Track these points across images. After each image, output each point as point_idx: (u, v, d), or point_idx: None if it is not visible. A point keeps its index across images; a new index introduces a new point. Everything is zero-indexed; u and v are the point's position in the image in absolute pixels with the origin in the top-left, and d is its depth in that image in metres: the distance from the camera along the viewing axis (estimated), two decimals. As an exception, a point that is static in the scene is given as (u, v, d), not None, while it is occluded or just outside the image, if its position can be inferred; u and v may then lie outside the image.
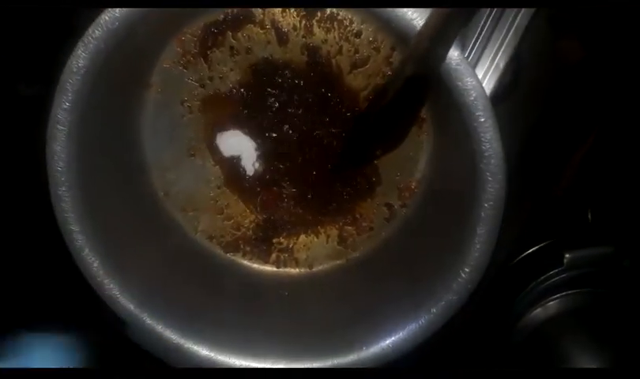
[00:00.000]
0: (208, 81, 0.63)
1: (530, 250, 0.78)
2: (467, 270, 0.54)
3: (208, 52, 0.62)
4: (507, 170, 0.51)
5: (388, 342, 0.58)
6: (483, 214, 0.52)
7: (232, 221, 0.67)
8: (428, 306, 0.56)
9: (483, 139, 0.50)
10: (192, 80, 0.63)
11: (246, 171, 0.66)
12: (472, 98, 0.49)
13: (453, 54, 0.48)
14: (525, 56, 0.68)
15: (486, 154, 0.50)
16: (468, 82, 0.49)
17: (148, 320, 0.56)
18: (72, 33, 0.62)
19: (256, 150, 0.65)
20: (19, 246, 0.70)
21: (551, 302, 0.76)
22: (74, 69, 0.48)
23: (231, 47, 0.62)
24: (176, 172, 0.66)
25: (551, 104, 0.72)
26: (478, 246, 0.53)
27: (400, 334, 0.57)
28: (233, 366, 0.57)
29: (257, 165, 0.66)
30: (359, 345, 0.58)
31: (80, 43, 0.48)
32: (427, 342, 0.58)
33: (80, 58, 0.48)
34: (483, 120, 0.49)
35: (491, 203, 0.52)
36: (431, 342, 0.59)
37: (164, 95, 0.63)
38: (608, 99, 0.71)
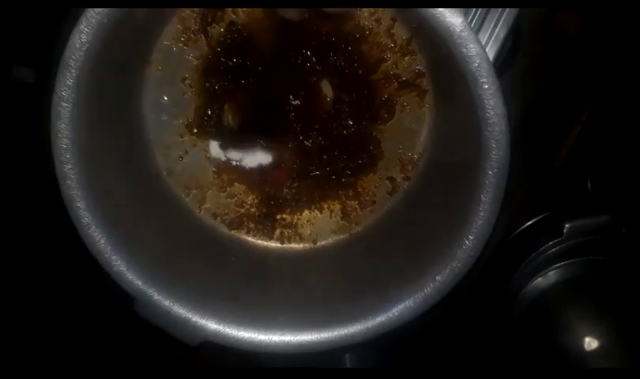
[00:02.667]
0: (208, 57, 0.63)
1: (530, 222, 0.79)
2: (471, 237, 0.55)
3: (209, 28, 0.62)
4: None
5: (394, 310, 0.58)
6: (487, 181, 0.53)
7: (235, 199, 0.68)
8: (433, 274, 0.57)
9: (487, 106, 0.50)
10: (193, 56, 0.63)
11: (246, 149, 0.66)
12: (476, 65, 0.49)
13: (457, 20, 0.48)
14: (523, 29, 0.69)
15: (490, 121, 0.50)
16: (472, 49, 0.49)
17: (156, 296, 0.56)
18: (64, 18, 0.63)
19: (256, 125, 0.65)
20: (23, 228, 0.70)
21: (551, 272, 0.77)
22: (77, 45, 0.48)
23: (232, 22, 0.61)
24: (178, 150, 0.65)
25: (549, 77, 0.73)
26: (482, 214, 0.54)
27: (407, 302, 0.57)
28: (241, 339, 0.57)
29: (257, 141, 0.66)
30: (365, 315, 0.59)
31: (82, 18, 0.48)
32: (429, 313, 0.59)
33: (83, 33, 0.48)
34: (487, 87, 0.50)
35: (495, 170, 0.52)
36: (432, 314, 0.59)
37: (165, 72, 0.63)
38: (605, 71, 0.71)
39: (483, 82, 0.50)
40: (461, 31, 0.48)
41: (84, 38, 0.48)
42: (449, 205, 0.59)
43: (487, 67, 0.50)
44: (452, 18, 0.48)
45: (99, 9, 0.48)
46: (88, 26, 0.48)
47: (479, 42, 0.49)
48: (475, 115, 0.52)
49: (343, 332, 0.59)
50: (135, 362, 0.61)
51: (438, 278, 0.56)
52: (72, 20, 0.50)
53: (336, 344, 0.59)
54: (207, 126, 0.64)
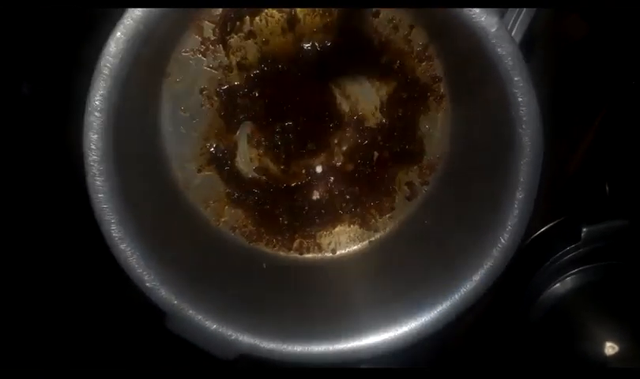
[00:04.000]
0: (227, 68, 0.62)
1: (547, 226, 0.79)
2: (506, 236, 0.55)
3: (228, 38, 0.61)
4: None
5: (427, 316, 0.57)
6: (522, 179, 0.53)
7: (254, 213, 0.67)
8: (468, 276, 0.56)
9: (521, 103, 0.50)
10: (211, 67, 0.62)
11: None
12: (512, 63, 0.49)
13: (493, 20, 0.48)
14: (536, 34, 0.70)
15: (524, 118, 0.51)
16: (506, 47, 0.49)
17: (190, 310, 0.55)
18: (75, 34, 0.62)
19: (276, 138, 0.65)
20: (48, 241, 0.68)
21: (569, 277, 0.77)
22: (113, 52, 0.47)
23: (250, 31, 0.61)
24: (196, 163, 0.64)
25: (562, 82, 0.74)
26: (517, 212, 0.54)
27: (441, 306, 0.57)
28: (276, 351, 0.56)
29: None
30: (396, 322, 0.58)
31: (119, 25, 0.47)
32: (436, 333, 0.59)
33: (120, 41, 0.47)
34: (521, 85, 0.50)
35: (531, 167, 0.52)
36: (439, 331, 0.59)
37: (183, 84, 0.62)
38: (620, 73, 0.72)
39: (518, 81, 0.50)
40: (496, 30, 0.49)
41: (120, 45, 0.47)
42: (475, 207, 0.60)
43: (520, 65, 0.50)
44: (488, 18, 0.48)
45: (137, 15, 0.47)
46: (125, 33, 0.47)
47: (513, 41, 0.49)
48: (507, 114, 0.52)
49: (376, 340, 0.58)
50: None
51: (475, 278, 0.56)
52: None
53: (367, 353, 0.58)
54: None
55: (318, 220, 0.68)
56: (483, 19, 0.49)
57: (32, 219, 0.69)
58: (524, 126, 0.51)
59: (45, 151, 0.69)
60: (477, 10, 0.48)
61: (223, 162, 0.65)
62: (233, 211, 0.67)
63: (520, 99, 0.50)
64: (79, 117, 0.50)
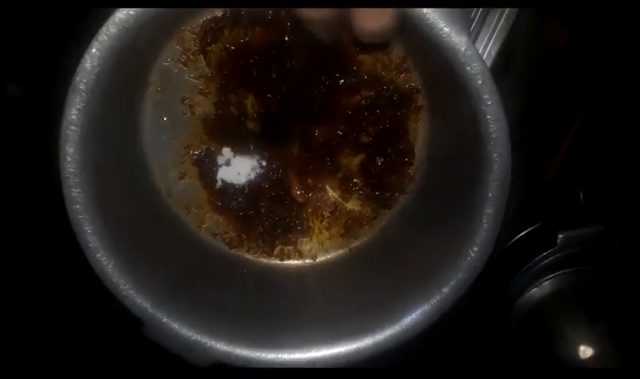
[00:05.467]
0: (208, 78, 0.63)
1: (524, 232, 0.80)
2: (475, 249, 0.56)
3: (208, 49, 0.62)
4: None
5: (401, 324, 0.58)
6: (490, 194, 0.54)
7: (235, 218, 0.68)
8: (439, 286, 0.57)
9: (490, 121, 0.51)
10: (192, 77, 0.63)
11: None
12: (480, 82, 0.50)
13: (462, 39, 0.49)
14: (514, 43, 0.71)
15: (493, 135, 0.52)
16: (476, 67, 0.50)
17: (165, 319, 0.56)
18: (63, 34, 0.63)
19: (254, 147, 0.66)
20: (26, 249, 0.70)
21: (545, 282, 0.78)
22: (88, 68, 0.48)
23: (233, 42, 0.62)
24: (178, 171, 0.66)
25: (539, 89, 0.75)
26: (486, 226, 0.55)
27: (413, 315, 0.58)
28: (251, 358, 0.57)
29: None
30: (371, 330, 0.59)
31: (94, 42, 0.48)
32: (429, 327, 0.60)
33: (95, 57, 0.48)
34: (490, 103, 0.51)
35: (498, 183, 0.53)
36: (429, 328, 0.60)
37: (164, 94, 0.63)
38: (595, 81, 0.73)
39: (487, 99, 0.51)
40: (465, 49, 0.50)
41: (95, 61, 0.48)
42: (449, 218, 0.61)
43: (490, 84, 0.51)
44: (457, 38, 0.49)
45: (110, 33, 0.48)
46: (100, 50, 0.48)
47: (482, 60, 0.50)
48: (477, 130, 0.53)
49: (352, 347, 0.59)
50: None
51: (445, 289, 0.57)
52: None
53: (345, 360, 0.59)
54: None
55: (299, 227, 0.69)
56: (452, 39, 0.49)
57: (11, 225, 0.70)
58: (492, 143, 0.52)
59: (25, 157, 0.69)
60: (447, 30, 0.49)
61: (205, 168, 0.66)
62: (215, 217, 0.68)
63: (489, 117, 0.51)
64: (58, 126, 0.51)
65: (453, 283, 0.57)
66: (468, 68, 0.50)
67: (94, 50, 0.48)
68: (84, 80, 0.49)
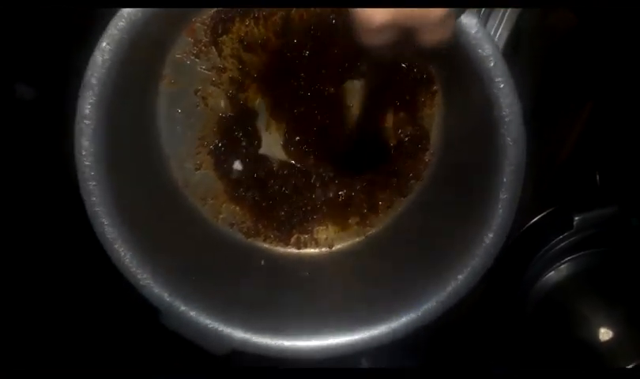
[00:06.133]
0: (220, 69, 0.63)
1: (539, 216, 0.80)
2: (490, 235, 0.56)
3: (219, 40, 0.62)
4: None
5: (416, 311, 0.58)
6: (505, 179, 0.54)
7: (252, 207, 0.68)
8: (454, 273, 0.57)
9: (503, 104, 0.51)
10: (204, 68, 0.63)
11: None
12: (492, 65, 0.50)
13: (472, 21, 0.49)
14: (524, 27, 0.70)
15: (507, 119, 0.51)
16: (487, 49, 0.50)
17: (182, 307, 0.57)
18: (70, 36, 0.64)
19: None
20: (42, 244, 0.71)
21: (562, 265, 0.78)
22: (99, 62, 0.49)
23: (245, 33, 0.62)
24: (193, 162, 0.66)
25: (550, 74, 0.74)
26: (501, 211, 0.55)
27: (429, 303, 0.58)
28: (267, 346, 0.58)
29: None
30: (387, 317, 0.59)
31: (104, 36, 0.48)
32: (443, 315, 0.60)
33: (106, 51, 0.48)
34: (502, 86, 0.51)
35: (513, 168, 0.53)
36: (445, 315, 0.60)
37: (178, 86, 0.63)
38: (607, 64, 0.72)
39: (499, 81, 0.51)
40: (476, 32, 0.49)
41: (106, 55, 0.49)
42: (464, 204, 0.60)
43: (502, 66, 0.51)
44: (467, 20, 0.49)
45: (120, 26, 0.48)
46: (110, 43, 0.48)
47: (494, 42, 0.50)
48: (490, 115, 0.53)
49: (368, 335, 0.59)
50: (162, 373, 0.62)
51: (460, 276, 0.57)
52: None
53: (361, 347, 0.59)
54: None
55: (315, 215, 0.69)
56: (462, 21, 0.49)
57: (28, 220, 0.71)
58: (506, 127, 0.52)
59: (41, 153, 0.71)
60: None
61: (220, 159, 0.66)
62: (231, 207, 0.68)
63: (502, 101, 0.51)
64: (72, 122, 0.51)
65: (468, 269, 0.57)
66: (480, 50, 0.50)
67: (104, 44, 0.49)
68: (96, 74, 0.49)
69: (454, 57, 0.54)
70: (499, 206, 0.54)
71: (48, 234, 0.72)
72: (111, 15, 0.51)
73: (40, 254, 0.71)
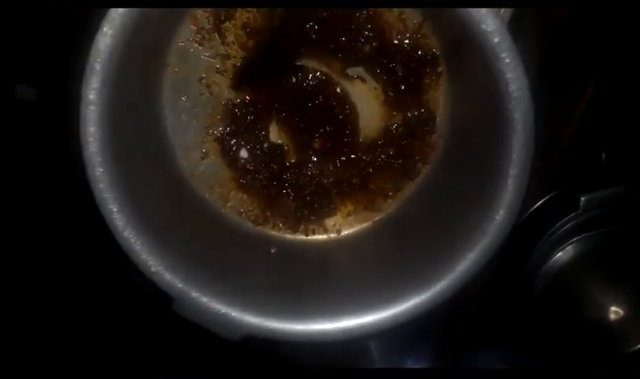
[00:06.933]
0: (224, 56, 0.63)
1: (546, 198, 0.79)
2: (501, 212, 0.55)
3: (222, 26, 0.62)
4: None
5: (427, 293, 0.58)
6: (514, 155, 0.53)
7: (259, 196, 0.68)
8: (465, 252, 0.57)
9: (509, 79, 0.51)
10: (208, 56, 0.63)
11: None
12: (497, 40, 0.50)
13: (476, -3, 0.49)
14: (524, 10, 0.70)
15: (514, 94, 0.51)
16: (491, 24, 0.49)
17: (195, 294, 0.56)
18: (70, 36, 0.63)
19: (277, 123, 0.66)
20: (50, 234, 0.71)
21: (569, 246, 0.78)
22: (102, 47, 0.49)
23: (247, 19, 0.62)
24: (200, 150, 0.66)
25: (552, 51, 0.74)
26: (511, 188, 0.55)
27: (441, 283, 0.58)
28: (281, 330, 0.57)
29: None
30: (397, 299, 0.59)
31: (104, 21, 0.48)
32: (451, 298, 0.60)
33: (107, 35, 0.48)
34: (508, 61, 0.50)
35: (522, 143, 0.53)
36: (453, 299, 0.60)
37: (182, 74, 0.63)
38: (608, 42, 0.72)
39: (504, 57, 0.51)
40: (479, 8, 0.49)
41: (107, 40, 0.49)
42: (473, 185, 0.60)
43: (507, 42, 0.50)
44: (471, -4, 0.49)
45: (121, 11, 0.48)
46: (112, 28, 0.48)
47: (498, 17, 0.50)
48: (497, 91, 0.52)
49: (379, 317, 0.59)
50: (174, 360, 0.62)
51: (471, 255, 0.57)
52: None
53: (372, 329, 0.59)
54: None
55: (323, 202, 0.69)
56: (466, -3, 0.49)
57: (38, 214, 0.71)
58: (513, 102, 0.52)
59: (47, 148, 0.71)
60: (458, -11, 0.49)
61: (227, 147, 0.66)
62: (239, 195, 0.68)
63: (508, 76, 0.51)
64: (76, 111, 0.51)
65: (479, 248, 0.57)
66: (484, 26, 0.50)
67: (105, 28, 0.48)
68: (99, 60, 0.49)
69: (459, 35, 0.54)
70: (509, 182, 0.54)
71: (53, 230, 0.72)
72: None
73: (46, 252, 0.71)
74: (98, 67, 0.50)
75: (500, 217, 0.55)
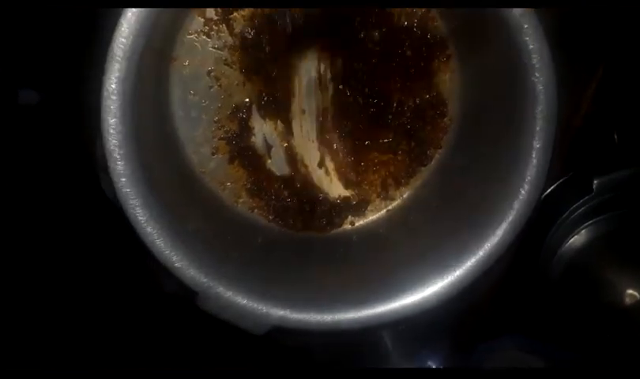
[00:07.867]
0: (232, 47, 0.62)
1: (559, 182, 0.79)
2: (527, 186, 0.55)
3: (229, 17, 0.61)
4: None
5: (454, 275, 0.57)
6: (538, 127, 0.53)
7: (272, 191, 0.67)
8: (491, 230, 0.56)
9: (532, 50, 0.51)
10: (216, 48, 0.62)
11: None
12: (520, 11, 0.49)
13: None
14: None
15: (537, 65, 0.51)
16: (513, -2, 0.49)
17: (219, 288, 0.55)
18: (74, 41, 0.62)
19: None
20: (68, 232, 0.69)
21: (584, 230, 0.77)
22: (125, 33, 0.47)
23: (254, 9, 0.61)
24: (210, 147, 0.64)
25: (561, 34, 0.74)
26: (535, 161, 0.54)
27: (468, 263, 0.57)
28: (306, 321, 0.56)
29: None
30: (420, 286, 0.58)
31: (122, 19, 0.48)
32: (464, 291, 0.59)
33: (132, 21, 0.47)
34: (531, 32, 0.50)
35: (545, 114, 0.53)
36: (467, 289, 0.59)
37: (191, 67, 0.62)
38: (617, 23, 0.72)
39: (527, 28, 0.50)
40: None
41: (132, 26, 0.47)
42: (492, 164, 0.60)
43: (529, 14, 0.50)
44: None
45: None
46: (135, 12, 0.47)
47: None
48: (519, 63, 0.52)
49: (403, 303, 0.58)
50: (199, 357, 0.60)
51: (499, 231, 0.56)
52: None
53: (398, 315, 0.58)
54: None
55: (336, 194, 0.68)
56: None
57: (43, 218, 0.70)
58: (537, 74, 0.51)
59: (51, 152, 0.69)
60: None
61: (236, 144, 0.65)
62: (250, 191, 0.67)
63: (531, 47, 0.51)
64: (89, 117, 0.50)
65: (506, 224, 0.56)
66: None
67: (129, 13, 0.47)
68: (121, 46, 0.48)
69: (465, 19, 0.53)
70: (533, 155, 0.54)
71: (57, 233, 0.70)
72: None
73: (46, 253, 0.70)
74: (120, 54, 0.49)
75: (526, 192, 0.55)
